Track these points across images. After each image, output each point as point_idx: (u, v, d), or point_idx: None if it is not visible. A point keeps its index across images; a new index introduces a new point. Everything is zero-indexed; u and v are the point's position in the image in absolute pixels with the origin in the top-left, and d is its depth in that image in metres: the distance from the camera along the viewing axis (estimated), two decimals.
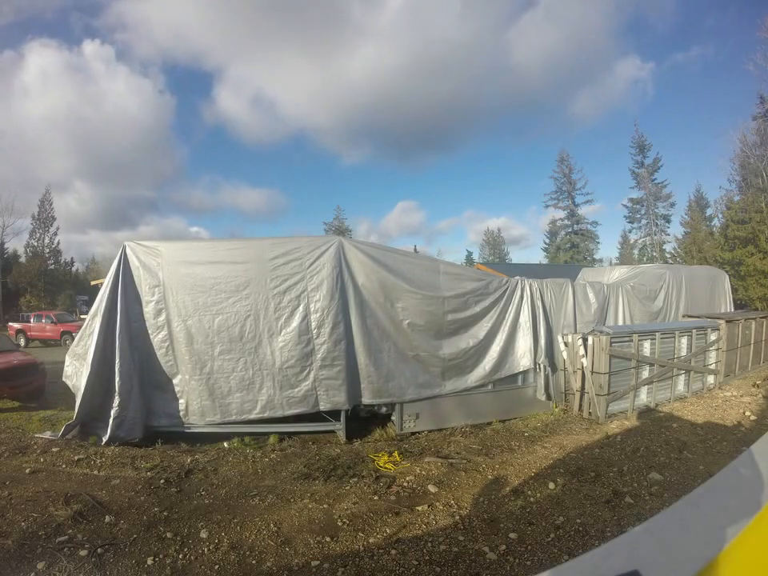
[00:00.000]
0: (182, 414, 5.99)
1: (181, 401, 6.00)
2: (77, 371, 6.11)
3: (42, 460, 5.05)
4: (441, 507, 4.06)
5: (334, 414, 6.30)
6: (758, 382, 9.07)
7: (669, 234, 39.70)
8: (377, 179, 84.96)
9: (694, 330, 8.36)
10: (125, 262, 6.01)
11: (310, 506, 4.06)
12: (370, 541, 3.50)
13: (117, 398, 5.65)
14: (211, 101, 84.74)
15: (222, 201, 78.27)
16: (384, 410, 6.76)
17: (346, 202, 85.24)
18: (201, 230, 71.01)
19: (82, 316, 22.06)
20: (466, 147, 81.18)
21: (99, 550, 3.25)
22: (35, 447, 5.43)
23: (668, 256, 36.35)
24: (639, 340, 7.38)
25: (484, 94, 74.34)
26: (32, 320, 20.44)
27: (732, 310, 12.65)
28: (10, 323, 21.93)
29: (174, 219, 75.54)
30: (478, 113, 77.31)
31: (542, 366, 7.41)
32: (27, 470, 4.69)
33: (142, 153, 65.71)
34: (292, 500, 4.20)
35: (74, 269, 42.05)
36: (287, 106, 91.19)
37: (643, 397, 7.64)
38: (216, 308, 5.95)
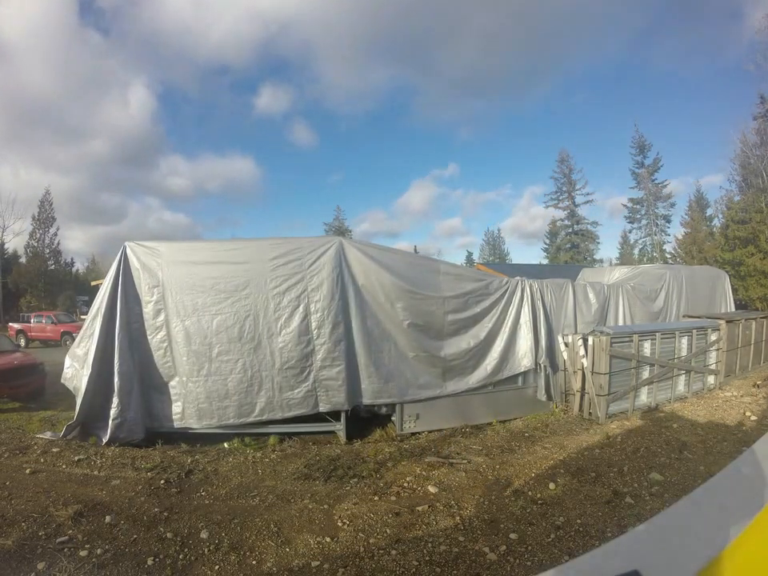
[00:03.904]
0: (180, 415, 5.97)
1: (179, 402, 5.98)
2: (77, 372, 6.11)
3: (42, 460, 5.05)
4: (441, 508, 4.05)
5: (334, 415, 6.29)
6: (758, 382, 9.06)
7: (669, 234, 39.76)
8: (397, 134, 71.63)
9: (694, 331, 8.35)
10: (125, 262, 6.00)
11: (311, 507, 4.06)
12: (371, 541, 3.50)
13: (116, 399, 5.66)
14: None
15: (212, 186, 72.40)
16: (384, 410, 6.75)
17: (351, 176, 75.85)
18: (183, 216, 66.28)
19: (82, 316, 22.06)
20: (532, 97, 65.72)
21: (99, 550, 3.25)
22: (35, 447, 5.42)
23: (668, 256, 36.37)
24: (639, 340, 7.38)
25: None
26: (32, 320, 20.43)
27: (732, 310, 12.63)
28: (10, 324, 21.92)
29: (157, 210, 71.16)
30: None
31: (542, 366, 7.42)
32: (27, 471, 4.68)
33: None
34: (292, 500, 4.20)
35: (74, 269, 42.14)
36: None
37: (643, 397, 7.64)
38: (215, 308, 5.94)
